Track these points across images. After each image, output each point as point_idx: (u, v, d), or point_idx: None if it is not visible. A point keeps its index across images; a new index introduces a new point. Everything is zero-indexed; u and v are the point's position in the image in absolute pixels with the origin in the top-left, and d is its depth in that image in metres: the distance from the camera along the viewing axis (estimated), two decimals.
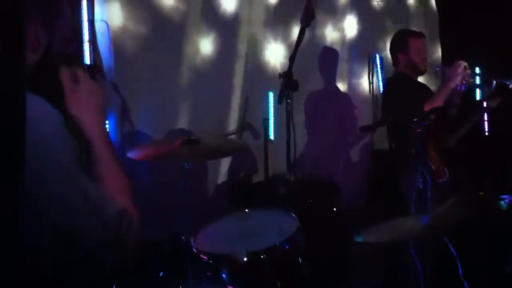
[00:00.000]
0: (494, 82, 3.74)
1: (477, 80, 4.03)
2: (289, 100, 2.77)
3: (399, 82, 3.88)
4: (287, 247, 2.23)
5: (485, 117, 4.79)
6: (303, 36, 2.79)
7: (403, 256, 3.13)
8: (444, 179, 3.59)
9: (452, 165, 3.71)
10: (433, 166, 3.55)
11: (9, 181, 0.66)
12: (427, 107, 3.46)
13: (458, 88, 3.70)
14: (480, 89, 4.04)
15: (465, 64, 3.65)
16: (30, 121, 0.78)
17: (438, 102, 3.56)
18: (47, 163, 1.14)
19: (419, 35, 3.99)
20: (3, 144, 0.68)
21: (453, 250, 2.95)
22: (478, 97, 4.53)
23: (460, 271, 2.97)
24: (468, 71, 3.68)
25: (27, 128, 0.73)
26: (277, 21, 4.41)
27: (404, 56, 3.86)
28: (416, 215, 2.23)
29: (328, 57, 4.78)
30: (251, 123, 4.17)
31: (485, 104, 3.88)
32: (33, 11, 1.23)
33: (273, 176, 3.89)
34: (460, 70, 3.62)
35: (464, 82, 3.69)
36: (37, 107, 1.12)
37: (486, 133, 4.68)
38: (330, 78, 4.80)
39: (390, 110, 3.92)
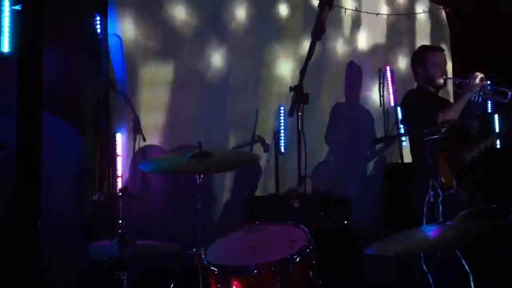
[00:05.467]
0: (510, 94, 3.74)
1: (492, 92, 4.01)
2: (300, 113, 2.78)
3: (416, 95, 3.93)
4: (297, 259, 2.22)
5: (497, 128, 4.78)
6: (314, 50, 2.80)
7: (415, 270, 3.11)
8: (452, 191, 3.59)
9: (465, 179, 3.71)
10: (443, 179, 3.55)
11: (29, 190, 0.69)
12: (441, 118, 3.49)
13: (475, 99, 3.71)
14: (494, 101, 4.01)
15: (482, 75, 3.67)
16: (50, 141, 0.81)
17: (453, 113, 3.58)
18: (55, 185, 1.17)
19: (437, 49, 4.05)
20: (22, 160, 0.71)
21: (465, 264, 2.93)
22: (489, 109, 4.53)
23: (472, 285, 2.94)
24: (485, 83, 3.70)
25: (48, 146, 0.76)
26: (288, 35, 4.44)
27: (423, 70, 3.91)
28: (427, 228, 2.22)
29: (340, 71, 4.80)
30: (262, 136, 4.19)
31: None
32: (56, 38, 1.27)
33: (284, 189, 3.90)
34: (476, 81, 3.65)
35: (481, 94, 3.71)
36: (59, 131, 1.15)
37: (498, 146, 4.65)
38: (341, 91, 4.82)
39: (406, 123, 3.96)
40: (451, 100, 4.44)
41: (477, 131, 3.92)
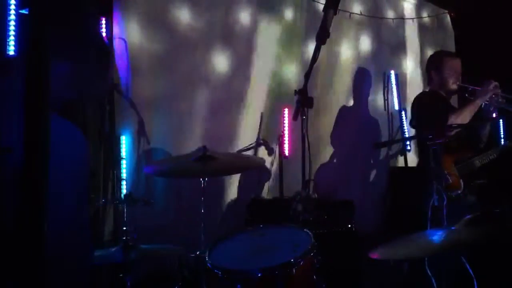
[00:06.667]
0: None
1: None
2: (304, 117, 2.78)
3: (427, 98, 3.95)
4: (301, 263, 2.22)
5: (502, 134, 4.77)
6: (319, 54, 2.80)
7: (419, 275, 3.10)
8: (459, 192, 3.60)
9: (472, 183, 3.72)
10: (450, 179, 3.56)
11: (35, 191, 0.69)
12: (450, 121, 3.52)
13: (488, 107, 3.73)
14: (506, 109, 4.00)
15: (496, 83, 3.71)
16: (55, 142, 0.82)
17: (463, 117, 3.60)
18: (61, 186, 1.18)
19: (454, 55, 4.12)
20: (30, 160, 0.71)
21: (469, 269, 2.92)
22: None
23: None
24: (498, 90, 3.72)
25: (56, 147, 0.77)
26: (292, 38, 4.45)
27: (437, 74, 3.95)
28: (431, 232, 2.21)
29: (344, 75, 4.80)
30: (266, 140, 4.19)
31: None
32: (62, 41, 1.28)
33: (288, 192, 3.89)
34: (490, 88, 3.68)
35: (493, 101, 3.72)
36: (67, 133, 1.16)
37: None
38: (345, 95, 4.82)
39: (416, 126, 3.98)
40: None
41: (487, 137, 3.93)
